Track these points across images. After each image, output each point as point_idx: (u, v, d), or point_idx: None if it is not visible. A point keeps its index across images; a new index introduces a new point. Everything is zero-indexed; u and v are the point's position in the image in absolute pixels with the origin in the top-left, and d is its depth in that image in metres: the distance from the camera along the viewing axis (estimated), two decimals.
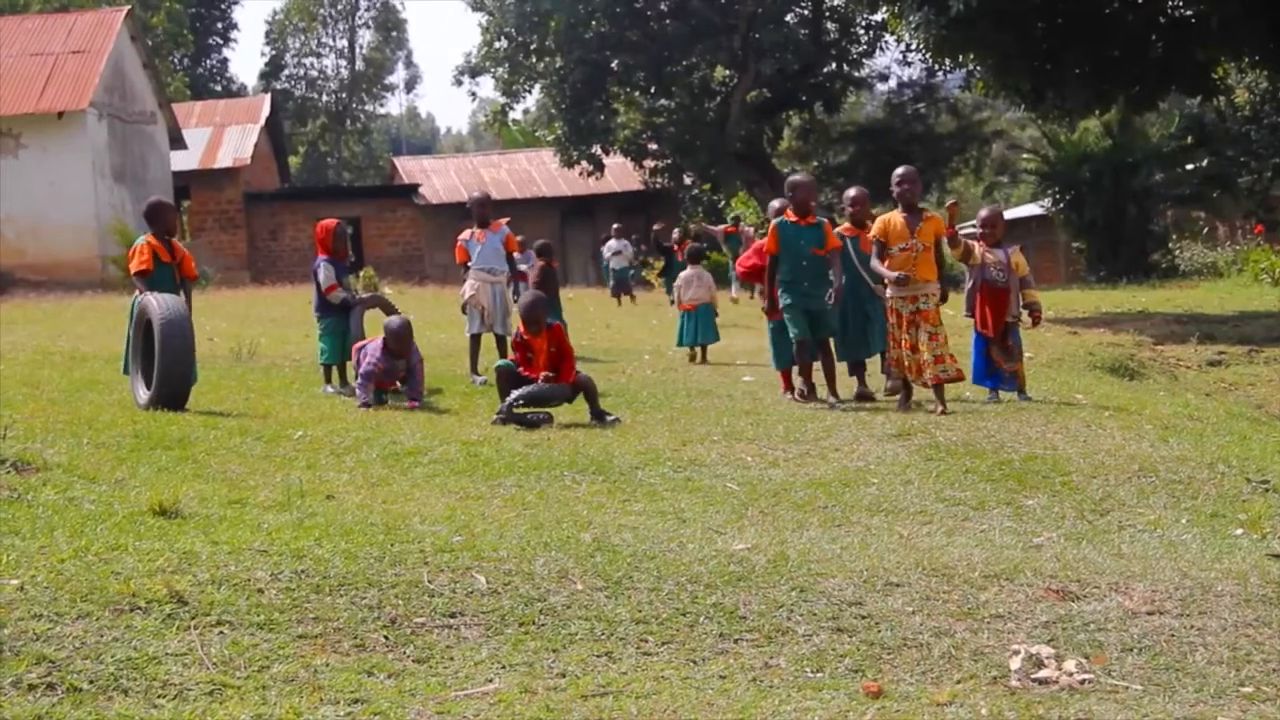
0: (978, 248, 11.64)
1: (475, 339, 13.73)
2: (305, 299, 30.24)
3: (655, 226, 33.90)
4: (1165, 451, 9.26)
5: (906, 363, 10.91)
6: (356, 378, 11.75)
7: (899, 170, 11.21)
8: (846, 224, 12.33)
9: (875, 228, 11.15)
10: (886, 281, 11.06)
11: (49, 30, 40.00)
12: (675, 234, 30.28)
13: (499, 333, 13.57)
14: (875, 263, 11.08)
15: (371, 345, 11.82)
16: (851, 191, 12.65)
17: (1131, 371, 14.13)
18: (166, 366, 10.18)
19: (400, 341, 11.71)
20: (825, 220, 11.61)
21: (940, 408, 10.67)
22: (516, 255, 14.55)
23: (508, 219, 14.27)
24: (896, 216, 11.08)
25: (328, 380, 12.75)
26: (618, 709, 4.13)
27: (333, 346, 12.72)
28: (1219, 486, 8.28)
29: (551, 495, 7.73)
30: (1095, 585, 5.60)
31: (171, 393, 10.21)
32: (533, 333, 11.00)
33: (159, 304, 10.42)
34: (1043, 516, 7.40)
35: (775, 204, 12.68)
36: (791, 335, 11.50)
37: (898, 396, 11.37)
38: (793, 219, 11.49)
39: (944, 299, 11.20)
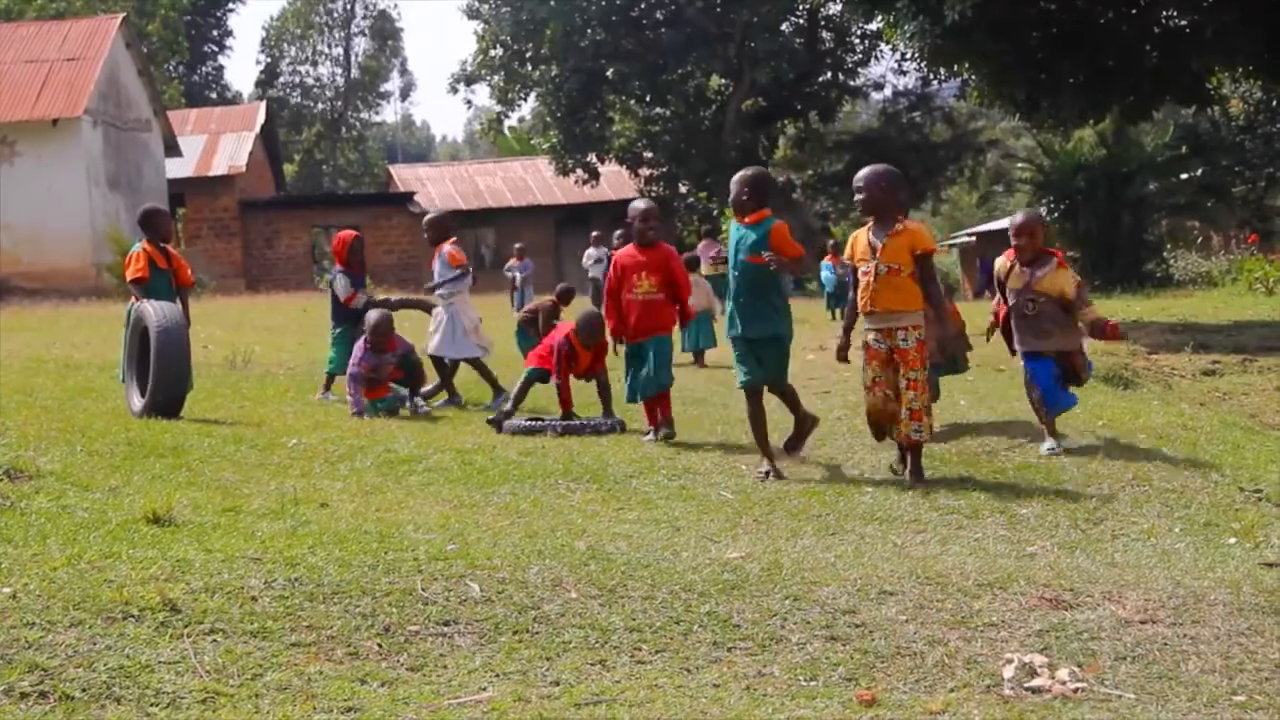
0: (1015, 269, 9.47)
1: (439, 360, 13.00)
2: (300, 306, 30.31)
3: (594, 234, 29.89)
4: (1159, 460, 9.27)
5: (877, 411, 8.65)
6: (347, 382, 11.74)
7: (860, 174, 8.78)
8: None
9: (847, 247, 9.01)
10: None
11: (44, 37, 40.04)
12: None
13: (459, 357, 12.94)
14: (848, 312, 9.06)
15: (357, 345, 11.80)
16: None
17: (1126, 380, 14.10)
18: (162, 374, 10.18)
19: (378, 335, 11.67)
20: (777, 221, 9.10)
21: (907, 473, 8.61)
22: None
23: (454, 239, 13.35)
24: (863, 232, 8.76)
25: (326, 388, 12.72)
26: (611, 717, 4.12)
27: (339, 356, 12.67)
28: (1212, 496, 8.28)
29: (545, 503, 7.73)
30: (1089, 594, 5.60)
31: (166, 400, 10.21)
32: (586, 346, 11.30)
33: (155, 311, 10.42)
34: (1036, 525, 7.40)
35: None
36: (737, 382, 9.28)
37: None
38: (738, 221, 9.27)
39: (941, 351, 9.01)
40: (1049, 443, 9.38)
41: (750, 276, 9.06)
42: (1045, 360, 9.40)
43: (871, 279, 8.52)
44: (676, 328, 11.13)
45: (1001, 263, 9.39)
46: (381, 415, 11.40)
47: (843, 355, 9.00)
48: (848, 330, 9.02)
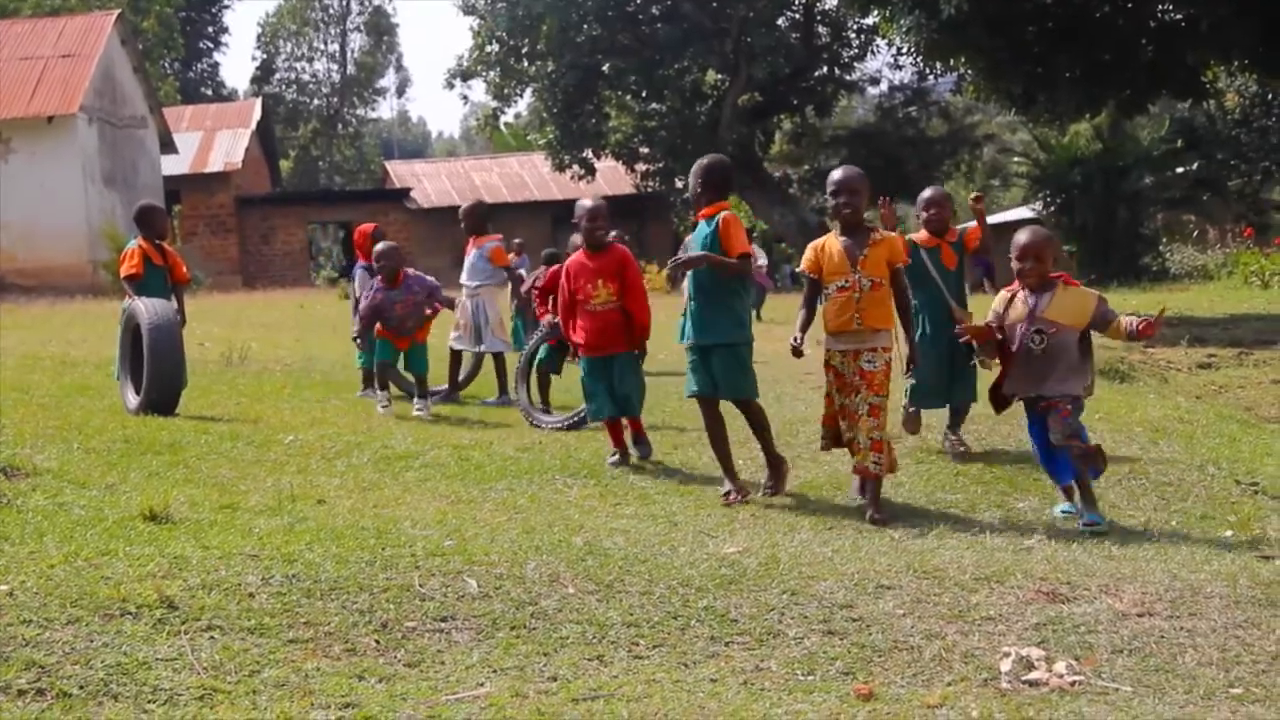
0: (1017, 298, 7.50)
1: (453, 354, 13.01)
2: (297, 303, 30.29)
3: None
4: (1155, 454, 9.28)
5: (829, 421, 7.90)
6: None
7: (834, 175, 7.88)
8: (922, 232, 9.62)
9: (805, 257, 7.89)
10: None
11: (39, 34, 40.00)
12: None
13: (479, 350, 12.89)
14: (801, 313, 7.89)
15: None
16: (927, 192, 9.76)
17: (1122, 374, 14.11)
18: (155, 371, 10.18)
19: (386, 259, 11.56)
20: (726, 214, 8.13)
21: (867, 506, 7.53)
22: (514, 259, 14.32)
23: (499, 235, 13.31)
24: (833, 241, 7.76)
25: (366, 385, 12.68)
26: (609, 712, 4.13)
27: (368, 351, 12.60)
28: (1208, 489, 8.30)
29: (543, 499, 7.74)
30: (1085, 587, 5.61)
31: (161, 397, 10.21)
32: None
33: (148, 309, 10.42)
34: (1033, 519, 7.41)
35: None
36: (685, 391, 8.35)
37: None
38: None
39: (912, 360, 8.07)
40: (1063, 504, 7.58)
41: (704, 278, 8.09)
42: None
43: (855, 294, 7.57)
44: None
45: (1002, 296, 7.46)
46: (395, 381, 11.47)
47: (798, 344, 7.74)
48: (805, 328, 7.81)
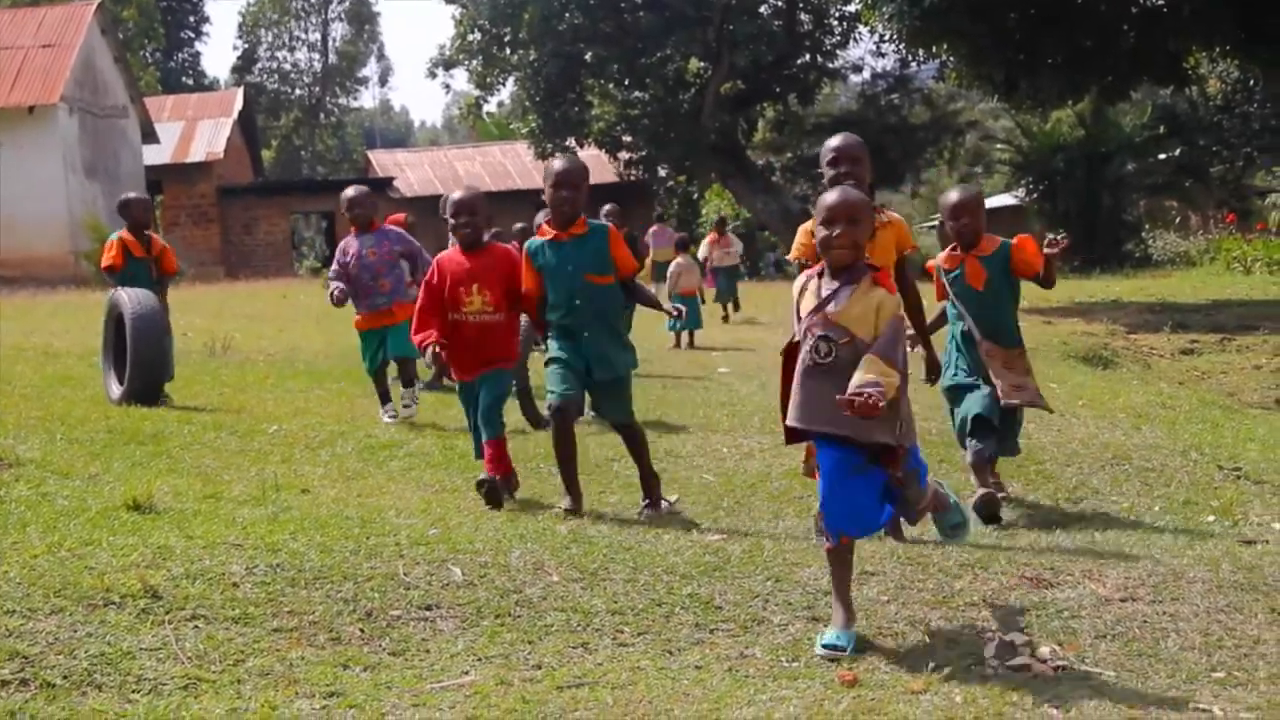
0: None
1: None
2: (279, 293, 30.22)
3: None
4: (1138, 439, 9.31)
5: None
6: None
7: (832, 141, 6.65)
8: (942, 254, 7.81)
9: (796, 243, 6.74)
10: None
11: (18, 24, 39.80)
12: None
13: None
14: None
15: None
16: (955, 195, 7.67)
17: (1105, 360, 14.17)
18: (138, 361, 10.16)
19: (359, 206, 10.95)
20: (608, 226, 7.37)
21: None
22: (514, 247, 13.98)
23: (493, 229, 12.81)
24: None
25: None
26: (594, 700, 4.13)
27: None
28: (1191, 474, 8.33)
29: (527, 487, 7.74)
30: (1068, 572, 5.62)
31: (144, 387, 10.19)
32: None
33: (131, 299, 10.40)
34: (1016, 505, 7.43)
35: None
36: (549, 399, 7.27)
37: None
38: (550, 234, 7.22)
39: (934, 376, 7.24)
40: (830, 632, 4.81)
41: (599, 305, 7.19)
42: (845, 452, 4.89)
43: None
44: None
45: (801, 280, 5.11)
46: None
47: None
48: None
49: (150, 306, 10.42)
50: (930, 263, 7.79)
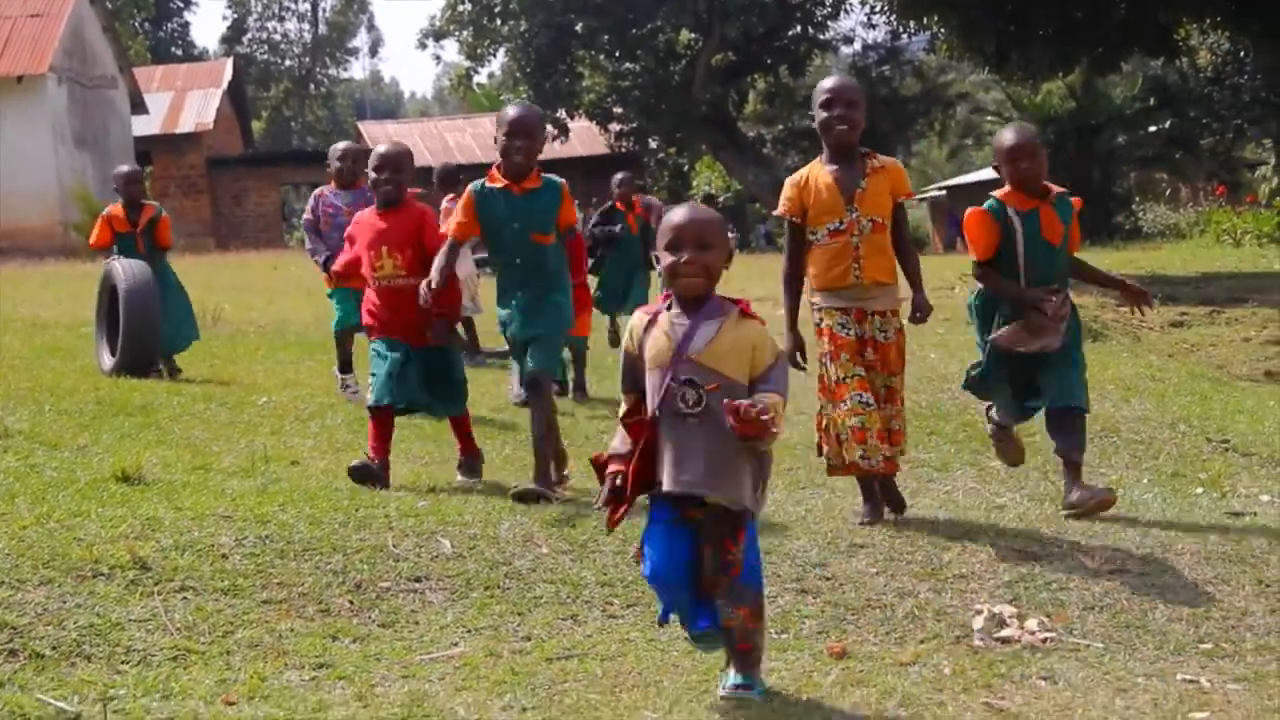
0: None
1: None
2: (270, 264, 30.14)
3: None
4: (1127, 412, 9.33)
5: (841, 430, 5.96)
6: None
7: (826, 83, 6.19)
8: (1006, 189, 6.41)
9: (784, 196, 6.15)
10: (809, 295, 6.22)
11: None
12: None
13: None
14: (784, 293, 6.27)
15: None
16: (1011, 136, 6.41)
17: (1094, 333, 14.15)
18: (130, 332, 10.14)
19: (349, 158, 10.39)
20: (561, 183, 6.82)
21: (883, 511, 6.17)
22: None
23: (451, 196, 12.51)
24: (820, 172, 6.08)
25: None
26: (583, 671, 4.14)
27: None
28: (1180, 446, 8.35)
29: (516, 459, 7.74)
30: (1057, 545, 5.64)
31: (135, 359, 10.17)
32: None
33: (125, 271, 10.38)
34: (1005, 478, 7.45)
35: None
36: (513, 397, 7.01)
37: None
38: (500, 182, 6.65)
39: (920, 314, 6.15)
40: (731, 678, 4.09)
41: (538, 260, 6.69)
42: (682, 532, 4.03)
43: (853, 239, 5.94)
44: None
45: (638, 320, 4.16)
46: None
47: (799, 355, 6.13)
48: (794, 315, 6.21)
49: (143, 279, 10.38)
50: (975, 210, 6.38)
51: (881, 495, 6.20)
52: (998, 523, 6.08)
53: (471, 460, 7.13)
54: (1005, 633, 4.56)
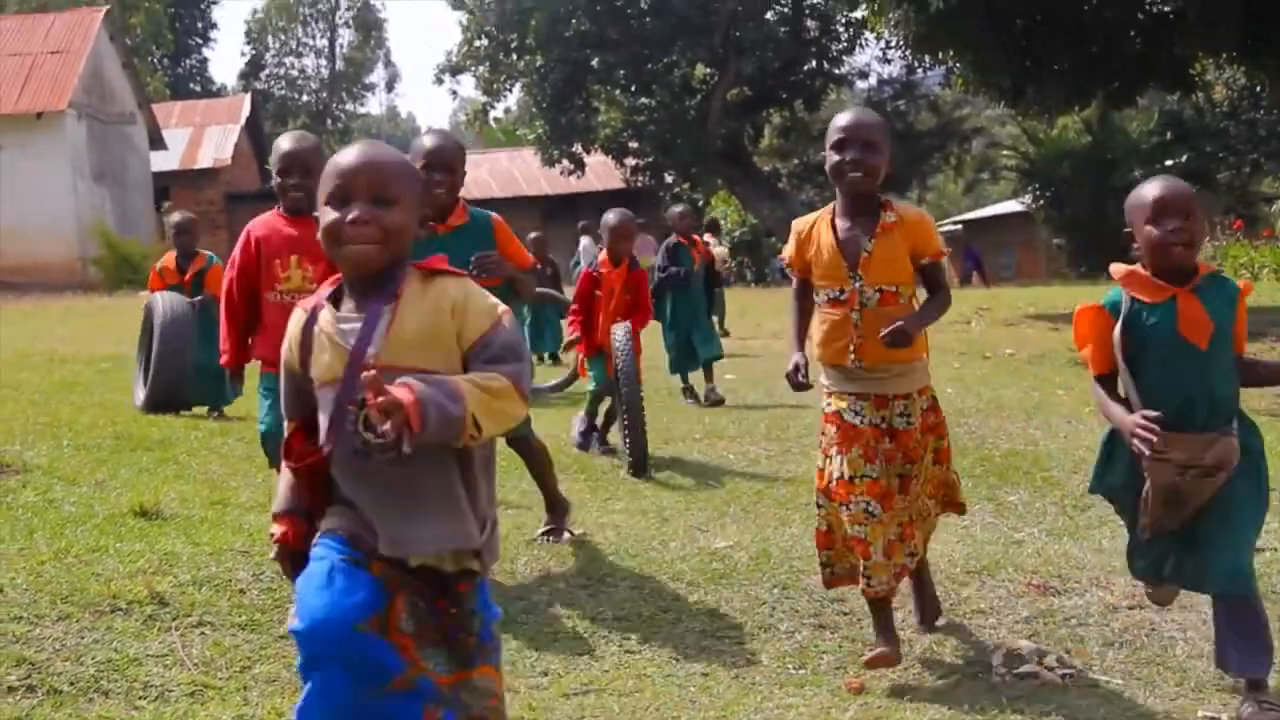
0: None
1: None
2: None
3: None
4: None
5: (856, 535, 4.70)
6: None
7: (841, 119, 4.88)
8: (1131, 268, 4.47)
9: (789, 246, 5.05)
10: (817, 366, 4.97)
11: (27, 30, 39.90)
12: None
13: None
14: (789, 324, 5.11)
15: None
16: (1153, 187, 4.33)
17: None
18: (161, 362, 10.15)
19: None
20: (491, 215, 5.98)
21: (878, 647, 4.63)
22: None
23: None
24: (826, 225, 4.89)
25: None
26: (600, 707, 4.13)
27: None
28: None
29: (533, 494, 7.72)
30: (1076, 580, 5.62)
31: (164, 388, 10.16)
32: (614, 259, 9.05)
33: (163, 305, 10.44)
34: (1024, 512, 7.41)
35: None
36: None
37: None
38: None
39: (895, 334, 4.64)
40: None
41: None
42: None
43: (852, 312, 4.78)
44: None
45: (297, 317, 3.15)
46: None
47: (800, 376, 4.84)
48: (800, 332, 5.04)
49: (181, 312, 10.39)
50: (1086, 307, 4.51)
51: (915, 597, 5.16)
52: (1016, 558, 6.06)
53: None
54: (1024, 669, 4.54)
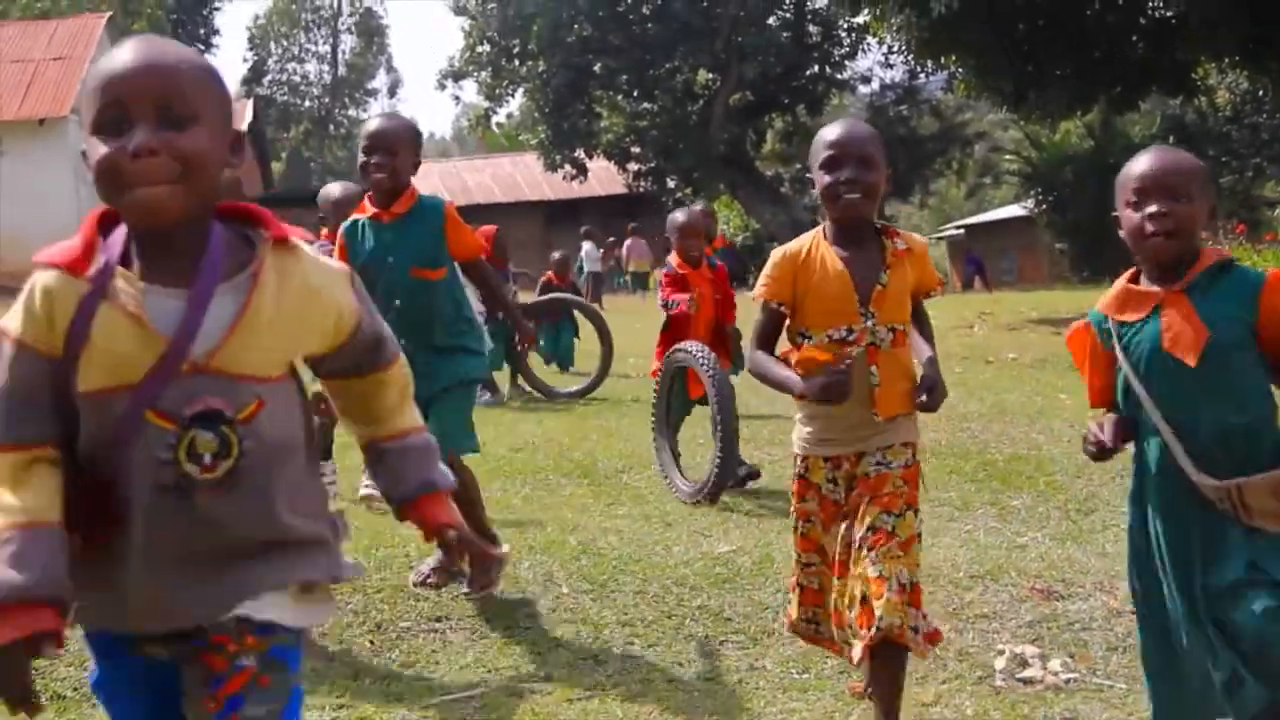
0: None
1: None
2: None
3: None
4: None
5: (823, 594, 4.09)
6: None
7: (830, 132, 4.12)
8: (1119, 290, 3.64)
9: (766, 275, 4.10)
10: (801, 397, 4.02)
11: (30, 37, 39.91)
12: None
13: None
14: (762, 360, 4.11)
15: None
16: (1143, 160, 3.60)
17: None
18: None
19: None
20: (443, 203, 5.45)
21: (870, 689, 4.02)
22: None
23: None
24: (828, 251, 4.06)
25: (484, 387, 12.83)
26: (604, 712, 4.13)
27: (494, 353, 12.64)
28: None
29: (537, 499, 7.73)
30: (1080, 584, 5.61)
31: None
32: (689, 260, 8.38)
33: None
34: (1027, 517, 7.41)
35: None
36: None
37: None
38: (368, 212, 5.42)
39: (932, 396, 4.00)
40: None
41: (425, 301, 5.32)
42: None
43: (857, 352, 3.97)
44: None
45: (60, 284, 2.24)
46: None
47: (820, 384, 3.89)
48: (784, 364, 4.11)
49: None
50: (1075, 328, 3.74)
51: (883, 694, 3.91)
52: (1019, 562, 6.05)
53: None
54: (1028, 673, 4.53)
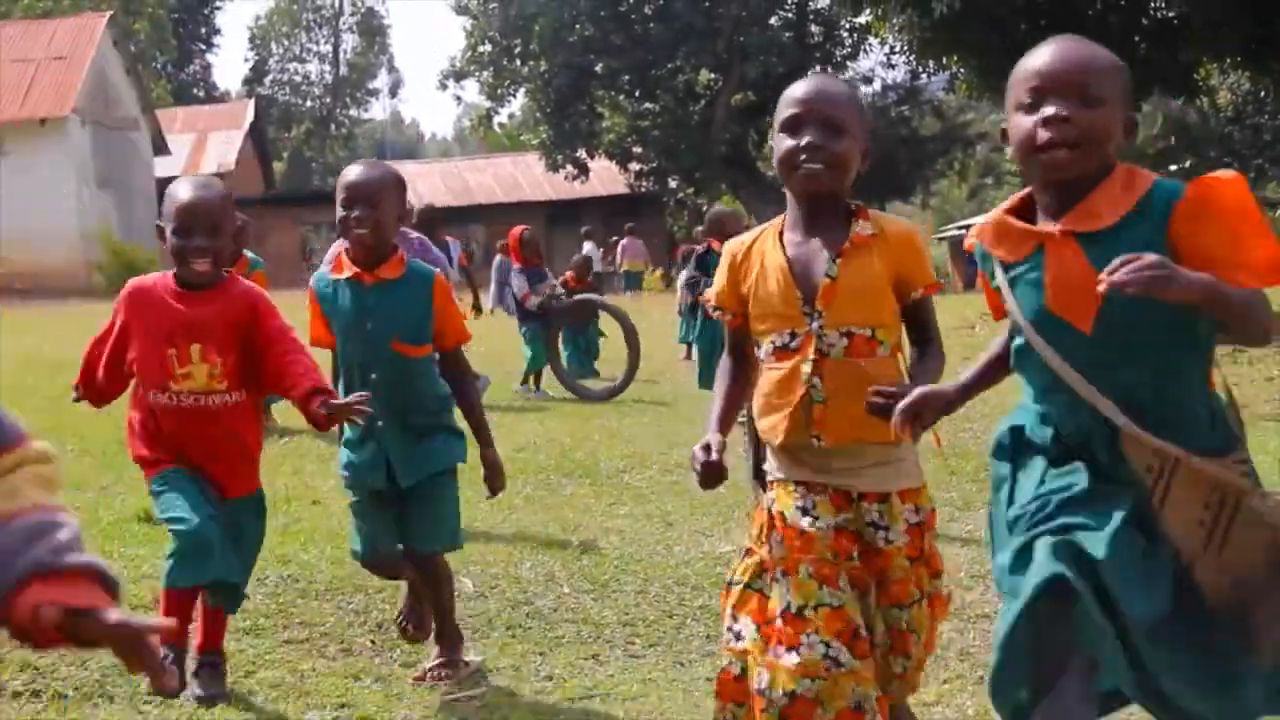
0: None
1: None
2: (290, 305, 30.31)
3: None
4: None
5: (771, 694, 3.13)
6: None
7: (796, 89, 3.45)
8: (997, 217, 3.03)
9: (717, 280, 3.51)
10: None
11: (31, 36, 39.97)
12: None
13: None
14: (717, 377, 3.59)
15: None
16: (1044, 52, 2.92)
17: None
18: None
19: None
20: (434, 273, 4.62)
21: None
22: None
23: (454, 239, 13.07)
24: (772, 243, 3.40)
25: (524, 382, 13.19)
26: (605, 712, 4.13)
27: (536, 352, 13.06)
28: None
29: (538, 499, 7.73)
30: None
31: None
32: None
33: None
34: None
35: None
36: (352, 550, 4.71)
37: None
38: (349, 271, 4.52)
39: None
40: None
41: (405, 380, 4.55)
42: None
43: (804, 363, 3.28)
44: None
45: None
46: None
47: (715, 469, 3.37)
48: (724, 406, 3.54)
49: None
50: (969, 241, 3.15)
51: None
52: None
53: (214, 661, 4.29)
54: None
